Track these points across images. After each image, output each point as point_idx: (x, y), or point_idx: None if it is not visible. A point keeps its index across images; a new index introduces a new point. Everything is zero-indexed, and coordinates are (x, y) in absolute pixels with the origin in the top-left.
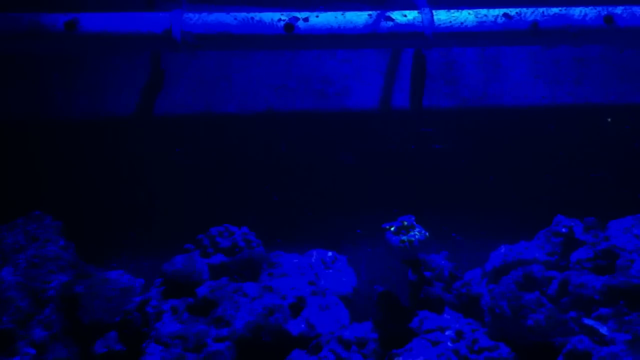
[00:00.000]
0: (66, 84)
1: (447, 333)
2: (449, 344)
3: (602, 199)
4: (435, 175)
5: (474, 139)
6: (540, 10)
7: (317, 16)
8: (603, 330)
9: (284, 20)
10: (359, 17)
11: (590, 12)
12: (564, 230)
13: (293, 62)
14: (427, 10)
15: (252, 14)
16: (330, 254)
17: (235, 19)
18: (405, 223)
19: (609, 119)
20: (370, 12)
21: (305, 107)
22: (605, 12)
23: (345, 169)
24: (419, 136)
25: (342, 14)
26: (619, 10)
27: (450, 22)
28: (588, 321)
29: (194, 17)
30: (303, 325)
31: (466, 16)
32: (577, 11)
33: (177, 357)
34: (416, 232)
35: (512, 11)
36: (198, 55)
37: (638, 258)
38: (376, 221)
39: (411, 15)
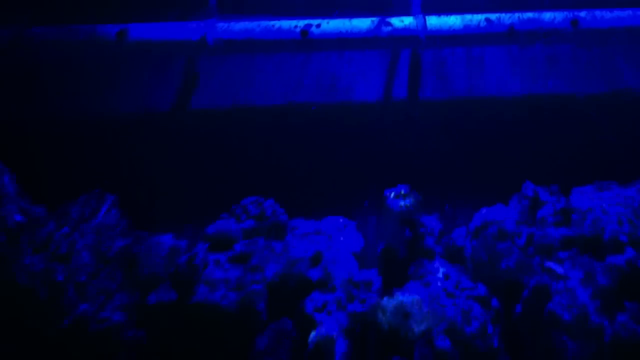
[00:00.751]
0: (115, 85)
1: (437, 276)
2: (438, 284)
3: (568, 172)
4: (430, 156)
5: (462, 125)
6: (517, 14)
7: (327, 22)
8: (559, 270)
9: (299, 27)
10: (363, 23)
11: (558, 15)
12: (530, 193)
13: (307, 63)
14: (420, 16)
15: (272, 22)
16: (341, 220)
17: (259, 26)
18: (403, 191)
19: (577, 108)
20: (372, 19)
21: (318, 100)
22: (572, 16)
23: (354, 152)
24: (416, 123)
25: (349, 20)
26: (582, 13)
27: (440, 26)
28: (548, 263)
29: (224, 26)
30: (321, 273)
31: (454, 21)
32: (547, 15)
33: (222, 296)
34: (412, 198)
35: (493, 16)
36: (226, 58)
37: (589, 215)
38: (380, 195)
39: (407, 20)
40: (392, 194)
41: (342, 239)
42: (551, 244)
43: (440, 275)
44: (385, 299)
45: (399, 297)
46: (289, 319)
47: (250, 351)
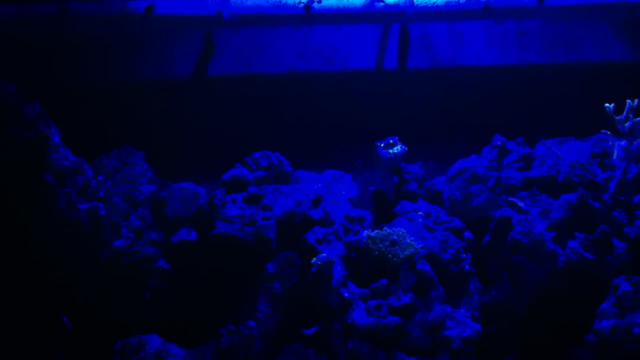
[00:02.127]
0: (141, 53)
1: (419, 213)
2: (420, 220)
3: (534, 130)
4: (416, 117)
5: (444, 91)
6: None
7: None
8: (521, 204)
9: (303, 3)
10: (358, 0)
11: None
12: (499, 143)
13: (309, 35)
14: None
15: None
16: (338, 172)
17: (267, 2)
18: (391, 141)
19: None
20: None
21: (319, 68)
22: None
23: (349, 114)
24: (404, 89)
25: None
26: None
27: (426, 2)
28: (512, 199)
29: (237, 2)
30: (321, 212)
31: None
32: None
33: (238, 229)
34: (399, 147)
35: None
36: (239, 30)
37: (548, 160)
38: (372, 152)
39: None
40: (382, 144)
41: (339, 186)
42: (514, 184)
43: (421, 212)
44: (375, 231)
45: (387, 230)
46: (294, 250)
47: (262, 274)
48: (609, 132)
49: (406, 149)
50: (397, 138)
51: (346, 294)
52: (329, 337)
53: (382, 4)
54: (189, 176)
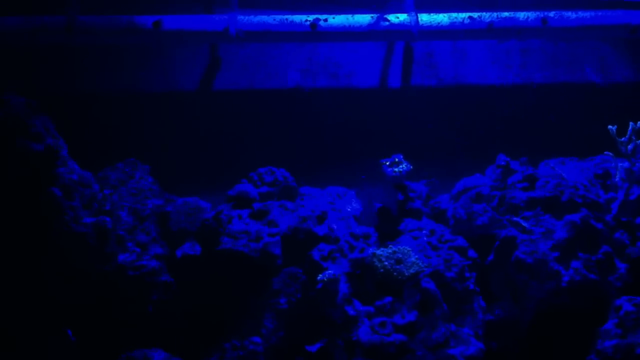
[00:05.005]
0: (147, 67)
1: (423, 232)
2: (425, 238)
3: (537, 149)
4: (419, 135)
5: (448, 108)
6: (495, 14)
7: (333, 17)
8: (525, 224)
9: (309, 21)
10: (363, 18)
11: (531, 15)
12: (503, 163)
13: (314, 52)
14: (413, 13)
15: (286, 16)
16: (342, 189)
17: (274, 19)
18: (397, 160)
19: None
20: (372, 15)
21: (323, 85)
22: (542, 15)
23: (353, 130)
24: (408, 107)
25: (352, 16)
26: (552, 14)
27: (430, 22)
28: (516, 219)
29: (244, 19)
30: (326, 229)
31: (442, 18)
32: (522, 15)
33: (244, 245)
34: (404, 165)
35: (475, 14)
36: (245, 46)
37: (551, 181)
38: (375, 169)
39: (402, 17)
40: (388, 162)
41: (343, 203)
42: (519, 204)
43: (426, 231)
44: (381, 249)
45: (392, 247)
46: (299, 266)
47: (267, 290)
48: (611, 154)
49: (411, 167)
50: (402, 156)
51: (351, 312)
52: (332, 354)
53: (387, 23)
54: (194, 190)
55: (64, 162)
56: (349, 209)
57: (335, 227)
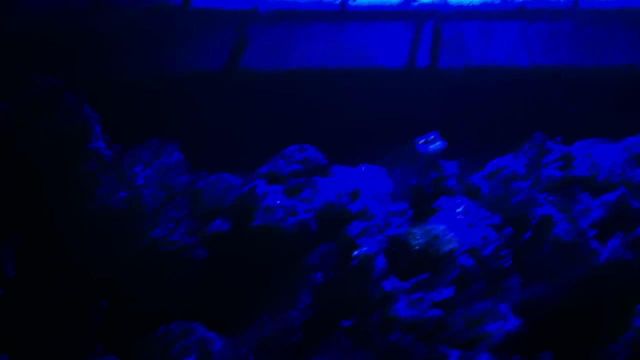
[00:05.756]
0: (175, 46)
1: (459, 209)
2: (460, 215)
3: (570, 131)
4: (449, 113)
5: (478, 89)
6: None
7: None
8: (562, 203)
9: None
10: None
11: None
12: (539, 142)
13: (342, 32)
14: None
15: None
16: (373, 167)
17: None
18: (432, 137)
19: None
20: None
21: (351, 65)
22: None
23: (382, 111)
24: (437, 87)
25: None
26: None
27: (461, 2)
28: (553, 197)
29: None
30: (360, 206)
31: None
32: None
33: (280, 220)
34: (438, 143)
35: None
36: (273, 25)
37: (588, 160)
38: (407, 147)
39: None
40: (422, 140)
41: (374, 181)
42: (554, 183)
43: (461, 208)
44: (416, 226)
45: (428, 225)
46: (334, 243)
47: (302, 265)
48: None
49: (446, 144)
50: (437, 134)
51: (387, 287)
52: (368, 330)
53: (417, 2)
54: (224, 168)
55: (97, 138)
56: (380, 188)
57: (368, 203)
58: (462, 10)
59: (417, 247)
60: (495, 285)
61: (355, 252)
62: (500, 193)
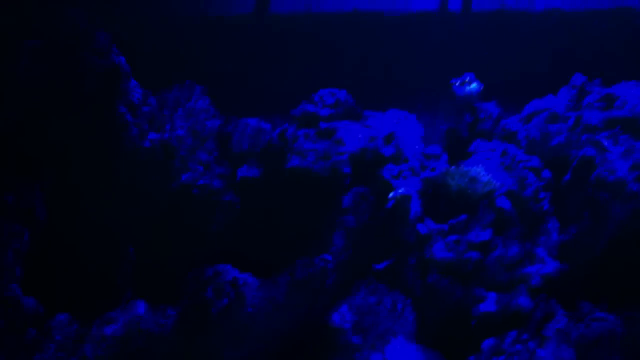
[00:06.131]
0: None
1: (496, 152)
2: (497, 158)
3: (609, 74)
4: (483, 57)
5: (512, 33)
6: None
7: None
8: (605, 143)
9: None
10: None
11: None
12: (579, 82)
13: None
14: None
15: None
16: (404, 113)
17: None
18: (467, 79)
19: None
20: None
21: (382, 9)
22: None
23: (412, 55)
24: (469, 31)
25: None
26: None
27: None
28: (595, 138)
29: None
30: (393, 149)
31: None
32: None
33: (313, 162)
34: (474, 85)
35: None
36: None
37: (630, 101)
38: (434, 95)
39: None
40: (458, 82)
41: (406, 126)
42: (596, 124)
43: (498, 151)
44: (453, 167)
45: (465, 167)
46: (368, 186)
47: (336, 208)
48: None
49: (482, 86)
50: (473, 75)
51: (423, 230)
52: (402, 272)
53: None
54: (252, 113)
55: (127, 79)
56: (414, 131)
57: (402, 147)
58: None
59: (453, 189)
60: (533, 228)
61: (391, 194)
62: (538, 135)
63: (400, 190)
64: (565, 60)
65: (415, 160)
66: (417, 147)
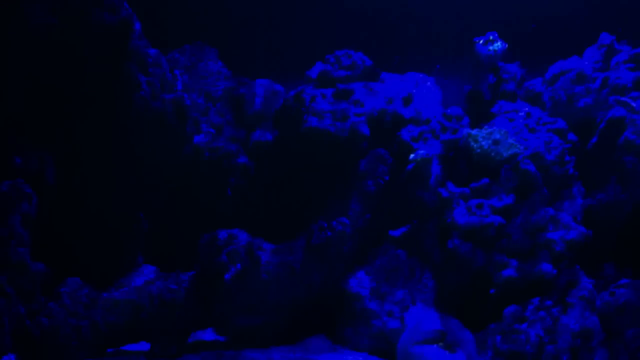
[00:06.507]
0: None
1: (519, 114)
2: (521, 120)
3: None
4: (507, 15)
5: None
6: None
7: None
8: (634, 104)
9: None
10: None
11: None
12: (607, 42)
13: None
14: None
15: None
16: (422, 75)
17: None
18: (491, 38)
19: None
20: None
21: None
22: None
23: (428, 14)
24: None
25: None
26: None
27: None
28: (624, 99)
29: None
30: (413, 111)
31: None
32: None
33: (330, 124)
34: (499, 44)
35: None
36: None
37: None
38: (452, 60)
39: None
40: (481, 41)
41: (424, 88)
42: (625, 84)
43: (522, 113)
44: (475, 129)
45: (488, 129)
46: (387, 149)
47: (354, 171)
48: None
49: (506, 46)
50: (496, 34)
51: (445, 193)
52: (421, 238)
53: None
54: (264, 74)
55: (138, 37)
56: (435, 93)
57: (421, 109)
58: None
59: (477, 151)
60: (558, 192)
61: (411, 156)
62: (564, 96)
63: (420, 152)
64: (595, 17)
65: (435, 122)
66: (439, 108)
